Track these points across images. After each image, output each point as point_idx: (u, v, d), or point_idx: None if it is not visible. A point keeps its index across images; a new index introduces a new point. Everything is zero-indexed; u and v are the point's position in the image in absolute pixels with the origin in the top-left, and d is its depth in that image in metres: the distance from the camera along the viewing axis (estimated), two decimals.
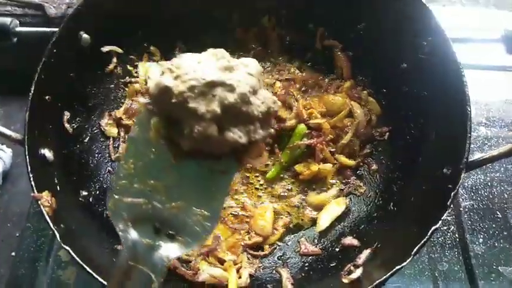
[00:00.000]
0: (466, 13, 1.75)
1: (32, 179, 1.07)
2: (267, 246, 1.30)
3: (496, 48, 1.25)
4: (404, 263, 0.97)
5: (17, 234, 1.46)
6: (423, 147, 1.23)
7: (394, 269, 0.96)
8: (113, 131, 1.41)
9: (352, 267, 1.12)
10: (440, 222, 0.99)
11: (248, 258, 1.27)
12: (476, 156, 1.12)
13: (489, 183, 1.50)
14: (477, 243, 1.39)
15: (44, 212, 1.04)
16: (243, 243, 1.29)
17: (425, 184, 1.16)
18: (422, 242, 0.98)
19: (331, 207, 1.33)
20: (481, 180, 1.51)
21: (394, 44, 1.33)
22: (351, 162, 1.38)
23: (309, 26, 1.50)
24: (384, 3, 1.31)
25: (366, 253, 1.16)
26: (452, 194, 1.01)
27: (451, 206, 1.35)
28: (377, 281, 0.96)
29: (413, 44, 1.26)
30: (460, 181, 1.03)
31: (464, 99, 1.09)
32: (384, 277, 0.96)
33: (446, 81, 1.15)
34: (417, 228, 1.04)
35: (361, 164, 1.39)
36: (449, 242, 1.40)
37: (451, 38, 1.18)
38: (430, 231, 0.98)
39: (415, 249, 0.97)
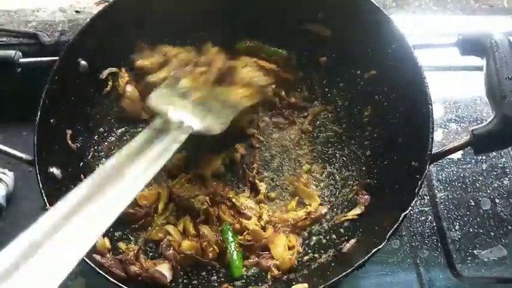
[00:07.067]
0: (432, 19, 1.87)
1: (43, 194, 1.18)
2: None
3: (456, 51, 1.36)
4: (381, 246, 1.08)
5: None
6: (395, 145, 1.36)
7: (372, 252, 1.08)
8: None
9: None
10: (410, 208, 1.11)
11: None
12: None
13: (462, 175, 1.61)
14: (453, 230, 1.50)
15: None
16: None
17: (398, 177, 1.28)
18: (394, 227, 1.09)
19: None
20: (455, 172, 1.62)
21: (363, 53, 1.46)
22: None
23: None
24: (351, 17, 1.44)
25: (351, 242, 1.27)
26: (419, 182, 1.13)
27: (424, 195, 1.52)
28: (356, 264, 1.07)
29: (380, 52, 1.39)
30: (426, 171, 1.14)
31: (426, 99, 1.21)
32: (362, 260, 1.07)
33: (410, 84, 1.27)
34: (392, 216, 1.15)
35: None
36: (427, 230, 1.51)
37: (414, 45, 1.29)
38: (401, 217, 1.10)
39: (388, 234, 1.09)
